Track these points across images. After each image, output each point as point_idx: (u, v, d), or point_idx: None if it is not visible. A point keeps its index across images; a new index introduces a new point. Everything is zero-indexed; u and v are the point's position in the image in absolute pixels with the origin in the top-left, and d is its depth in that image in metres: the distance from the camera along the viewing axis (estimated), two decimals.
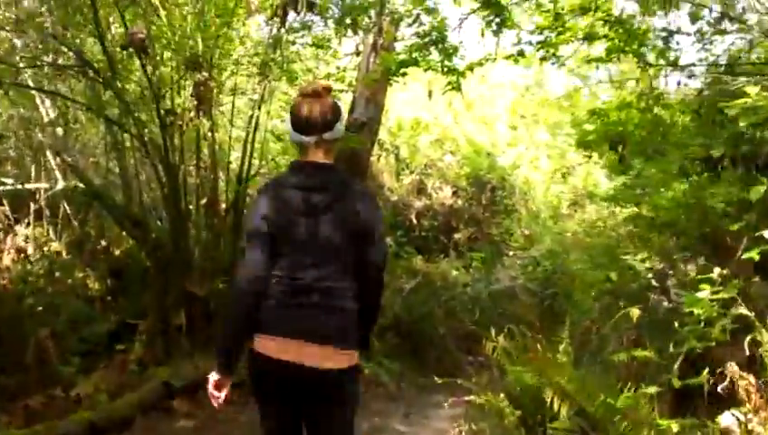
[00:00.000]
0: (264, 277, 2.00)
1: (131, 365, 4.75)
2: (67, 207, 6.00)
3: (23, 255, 5.91)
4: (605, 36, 5.41)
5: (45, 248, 5.90)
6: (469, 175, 8.76)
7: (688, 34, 5.59)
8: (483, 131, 9.36)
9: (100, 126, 5.96)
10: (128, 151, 5.66)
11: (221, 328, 2.22)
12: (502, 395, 3.34)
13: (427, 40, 5.12)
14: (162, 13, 5.01)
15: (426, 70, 5.38)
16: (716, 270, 3.12)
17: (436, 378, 3.82)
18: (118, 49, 5.05)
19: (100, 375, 4.55)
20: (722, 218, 4.03)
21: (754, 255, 3.23)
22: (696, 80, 5.51)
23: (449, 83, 5.27)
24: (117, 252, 6.14)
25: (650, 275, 4.94)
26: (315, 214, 2.01)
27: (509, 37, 5.41)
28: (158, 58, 4.99)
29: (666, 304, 4.70)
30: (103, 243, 6.38)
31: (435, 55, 5.26)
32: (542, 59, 5.29)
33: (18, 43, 5.18)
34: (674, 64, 5.09)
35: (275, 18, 5.25)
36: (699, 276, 3.21)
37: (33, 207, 6.05)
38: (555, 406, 2.91)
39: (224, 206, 5.74)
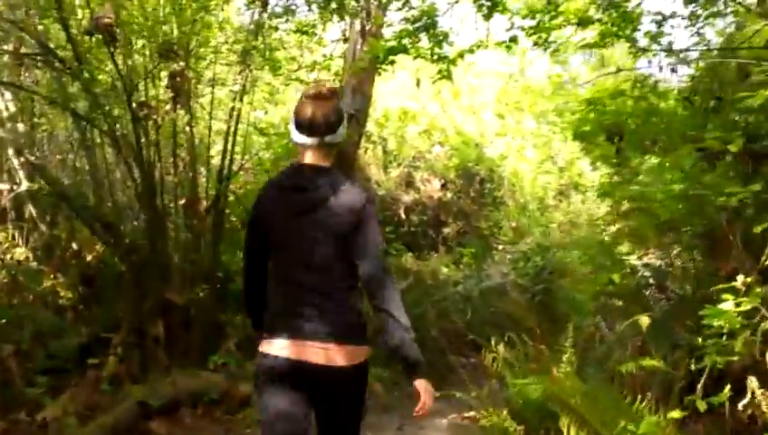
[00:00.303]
0: (257, 281, 2.13)
1: (104, 383, 4.37)
2: (33, 210, 5.53)
3: None
4: (598, 20, 5.19)
5: (9, 255, 5.44)
6: (458, 166, 8.49)
7: (682, 17, 5.38)
8: (471, 121, 9.09)
9: (67, 121, 5.49)
10: (98, 148, 5.22)
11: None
12: (505, 412, 3.09)
13: (416, 26, 4.83)
14: None
15: (415, 58, 5.11)
16: (740, 278, 2.87)
17: (436, 393, 3.53)
18: (85, 36, 4.62)
19: (70, 396, 4.16)
20: (720, 213, 3.82)
21: None
22: (688, 65, 5.30)
23: (439, 71, 5.02)
24: (89, 257, 5.70)
25: (648, 273, 4.73)
26: (308, 215, 2.03)
27: (500, 23, 5.13)
28: (128, 46, 4.55)
29: (664, 302, 4.50)
30: (74, 247, 5.94)
31: (424, 42, 5.01)
32: (535, 44, 5.04)
33: None
34: (668, 50, 4.86)
35: (257, 2, 4.87)
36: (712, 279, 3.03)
37: None
38: (566, 429, 2.66)
39: (205, 204, 5.36)
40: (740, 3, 4.81)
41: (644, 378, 2.89)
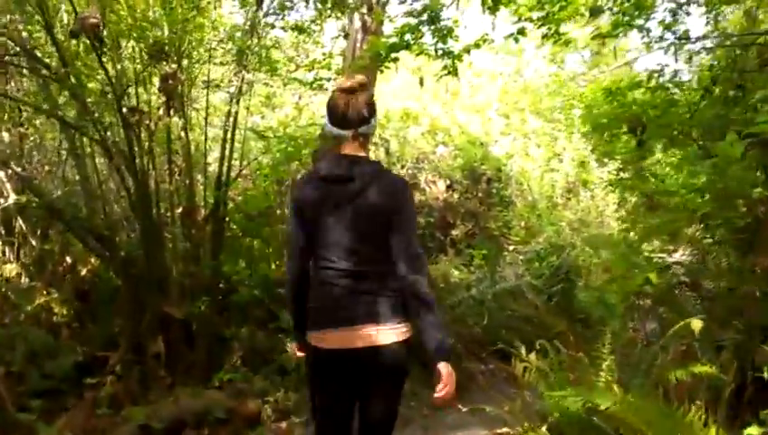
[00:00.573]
0: (300, 271, 2.20)
1: (102, 405, 4.11)
2: (22, 224, 5.28)
3: None
4: (609, 9, 4.96)
5: None
6: (463, 167, 8.24)
7: (698, 4, 5.16)
8: (474, 120, 8.85)
9: (56, 130, 5.25)
10: (89, 157, 4.98)
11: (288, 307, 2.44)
12: (544, 428, 2.84)
13: (419, 20, 4.60)
14: None
15: (418, 54, 4.87)
16: None
17: (460, 406, 3.28)
18: (73, 40, 4.39)
19: (66, 420, 3.91)
20: (756, 205, 3.60)
21: None
22: (707, 53, 5.07)
23: (444, 67, 4.79)
24: (83, 271, 5.45)
25: (680, 271, 4.49)
26: (345, 204, 2.11)
27: (508, 18, 4.91)
28: (117, 48, 4.31)
29: (696, 301, 4.26)
30: (68, 260, 5.69)
31: (428, 38, 4.79)
32: (544, 37, 4.82)
33: None
34: (684, 38, 4.64)
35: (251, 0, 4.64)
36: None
37: None
38: None
39: (203, 213, 5.11)
40: None
41: (691, 384, 2.63)
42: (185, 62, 4.53)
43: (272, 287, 5.19)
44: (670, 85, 4.74)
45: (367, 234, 2.11)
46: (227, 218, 5.04)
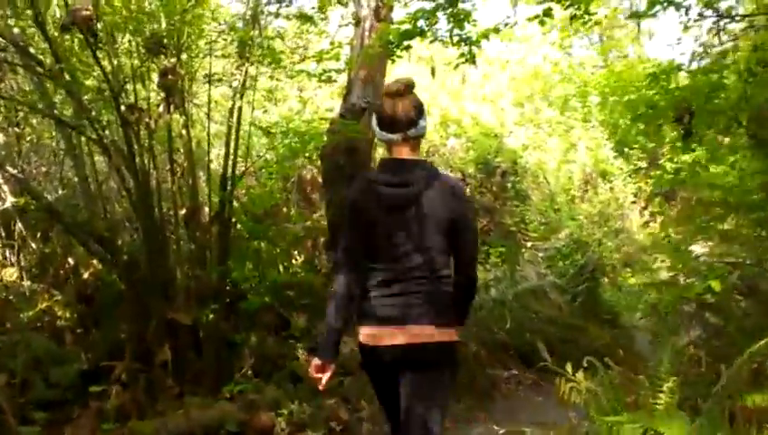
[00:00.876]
0: (350, 277, 2.19)
1: (109, 417, 3.92)
2: (21, 226, 5.09)
3: None
4: None
5: None
6: (476, 160, 7.94)
7: None
8: (486, 111, 8.54)
9: (52, 130, 5.04)
10: (87, 157, 4.77)
11: (326, 317, 2.31)
12: None
13: (437, 3, 4.32)
14: None
15: (432, 41, 4.60)
16: None
17: (496, 427, 3.03)
18: (66, 35, 4.17)
19: (70, 433, 3.73)
20: None
21: None
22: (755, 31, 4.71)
23: (461, 55, 4.52)
24: (86, 274, 5.25)
25: (736, 276, 4.13)
26: (402, 208, 2.14)
27: None
28: (112, 42, 4.08)
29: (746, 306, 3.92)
30: (70, 262, 5.50)
31: (442, 23, 4.51)
32: (573, 18, 4.53)
33: None
34: (728, 16, 4.32)
35: None
36: None
37: None
38: None
39: (208, 213, 4.90)
40: None
41: (763, 408, 2.35)
42: (184, 55, 4.28)
43: (281, 292, 4.97)
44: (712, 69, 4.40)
45: (424, 237, 2.13)
46: (233, 219, 4.81)
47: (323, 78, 4.55)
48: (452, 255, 2.17)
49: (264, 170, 5.65)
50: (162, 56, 4.11)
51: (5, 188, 4.80)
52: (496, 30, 4.50)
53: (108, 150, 4.31)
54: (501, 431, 2.81)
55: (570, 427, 2.78)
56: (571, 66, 13.75)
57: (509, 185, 7.93)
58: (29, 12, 4.00)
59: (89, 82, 4.53)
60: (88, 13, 3.56)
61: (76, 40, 4.47)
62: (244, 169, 4.88)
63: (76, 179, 4.85)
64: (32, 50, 4.41)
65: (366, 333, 2.18)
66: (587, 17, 4.29)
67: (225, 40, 4.33)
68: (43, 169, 5.16)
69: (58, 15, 4.35)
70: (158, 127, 4.52)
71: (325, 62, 4.68)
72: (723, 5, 4.34)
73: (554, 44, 15.37)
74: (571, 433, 2.74)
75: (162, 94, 4.41)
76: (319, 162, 6.81)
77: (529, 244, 7.14)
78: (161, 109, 4.51)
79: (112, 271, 4.75)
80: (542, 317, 5.12)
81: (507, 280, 5.59)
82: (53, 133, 5.10)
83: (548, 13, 4.37)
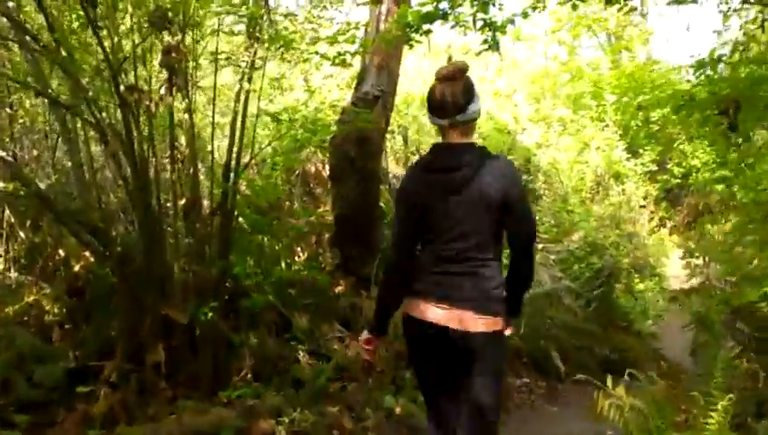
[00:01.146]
0: (404, 258, 2.27)
1: (95, 422, 3.63)
2: (10, 214, 4.78)
3: None
4: None
5: None
6: None
7: None
8: (499, 106, 8.25)
9: (46, 111, 4.73)
10: (82, 141, 4.46)
11: (377, 294, 2.45)
12: None
13: None
14: None
15: (454, 26, 4.33)
16: None
17: None
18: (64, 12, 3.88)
19: None
20: None
21: None
22: None
23: (485, 41, 4.27)
24: (77, 266, 4.94)
25: None
26: (453, 192, 2.17)
27: None
28: (112, 13, 3.77)
29: None
30: (61, 254, 5.19)
31: (465, 7, 4.24)
32: (608, 3, 4.26)
33: None
34: None
35: None
36: None
37: None
38: None
39: (209, 205, 4.60)
40: None
41: None
42: (189, 33, 3.97)
43: (284, 290, 4.69)
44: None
45: (477, 221, 2.16)
46: (236, 212, 4.51)
47: (338, 60, 4.26)
48: (510, 235, 2.17)
49: (268, 161, 5.36)
50: (166, 32, 3.80)
51: None
52: (525, 14, 4.26)
53: (105, 135, 4.01)
54: None
55: None
56: (579, 67, 13.50)
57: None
58: None
59: (86, 59, 4.23)
60: None
61: (74, 15, 4.18)
62: (249, 159, 4.57)
63: (70, 166, 4.53)
64: (28, 26, 4.12)
65: (413, 306, 2.26)
66: (623, 1, 4.02)
67: (234, 15, 4.01)
68: (35, 153, 4.84)
69: None
70: (158, 111, 4.23)
71: (342, 44, 4.38)
72: None
73: (563, 43, 15.12)
74: None
75: (165, 75, 4.11)
76: (324, 155, 6.54)
77: (540, 246, 6.86)
78: (163, 91, 4.21)
79: (105, 264, 4.44)
80: (557, 323, 4.85)
81: None
82: (47, 116, 4.77)
83: None
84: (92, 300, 4.66)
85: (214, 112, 4.37)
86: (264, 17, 4.16)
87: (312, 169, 6.81)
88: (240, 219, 4.83)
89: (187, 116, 4.35)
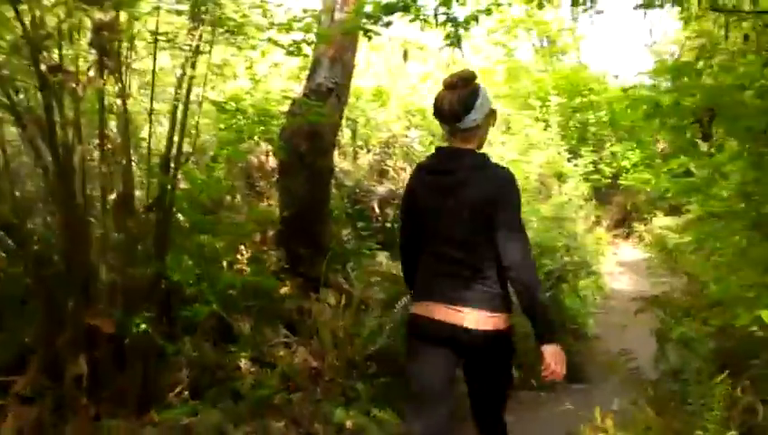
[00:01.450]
0: (410, 254, 2.50)
1: None
2: None
3: None
4: None
5: None
6: None
7: None
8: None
9: None
10: None
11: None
12: None
13: None
14: None
15: (413, 20, 4.16)
16: None
17: None
18: None
19: None
20: None
21: None
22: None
23: (447, 36, 4.15)
24: None
25: None
26: (447, 194, 2.32)
27: None
28: None
29: None
30: None
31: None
32: (574, 4, 4.18)
33: None
34: (737, 11, 4.04)
35: None
36: None
37: None
38: None
39: (137, 197, 4.18)
40: None
41: None
42: (125, 6, 3.55)
43: (225, 291, 4.35)
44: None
45: (468, 224, 2.25)
46: (174, 208, 4.13)
47: (293, 49, 3.96)
48: (499, 241, 2.21)
49: (210, 154, 4.97)
50: (97, 7, 3.38)
51: None
52: (488, 11, 4.13)
53: (21, 118, 3.53)
54: None
55: None
56: (523, 67, 13.74)
57: None
58: None
59: (2, 35, 3.71)
60: None
61: None
62: (191, 149, 4.18)
63: None
64: None
65: (416, 306, 2.39)
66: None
67: None
68: None
69: None
70: (86, 94, 3.78)
71: (299, 33, 4.06)
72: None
73: (498, 44, 15.41)
74: None
75: (95, 55, 3.67)
76: (270, 147, 6.22)
77: None
78: (92, 73, 3.77)
79: (18, 263, 3.95)
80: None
81: None
82: None
83: None
84: (3, 304, 4.14)
85: (152, 98, 3.95)
86: None
87: (256, 161, 6.44)
88: (179, 216, 4.44)
89: (119, 101, 3.93)
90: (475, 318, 2.22)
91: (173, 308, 4.08)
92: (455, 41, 4.03)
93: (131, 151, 4.17)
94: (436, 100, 2.34)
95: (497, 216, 2.20)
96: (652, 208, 12.55)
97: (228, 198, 5.74)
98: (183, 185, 4.61)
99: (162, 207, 4.03)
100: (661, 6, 4.12)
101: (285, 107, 5.36)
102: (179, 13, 3.56)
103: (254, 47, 3.97)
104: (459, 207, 2.25)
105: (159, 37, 3.64)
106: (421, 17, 4.11)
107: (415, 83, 8.64)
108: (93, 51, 3.75)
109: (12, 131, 4.19)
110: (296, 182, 4.95)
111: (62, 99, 3.66)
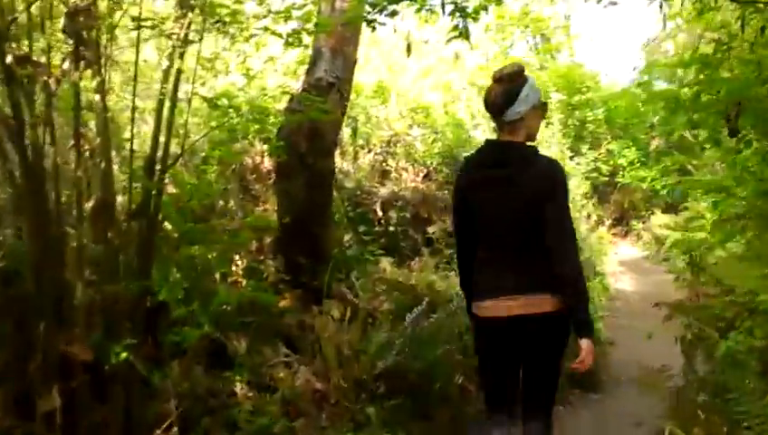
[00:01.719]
0: (466, 250, 2.56)
1: None
2: None
3: None
4: None
5: None
6: (443, 152, 7.18)
7: None
8: (455, 99, 7.82)
9: None
10: None
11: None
12: None
13: None
14: None
15: (419, 10, 3.81)
16: None
17: None
18: None
19: None
20: None
21: None
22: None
23: (454, 28, 3.83)
24: None
25: None
26: (499, 187, 2.37)
27: None
28: None
29: None
30: None
31: None
32: None
33: None
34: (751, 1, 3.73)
35: None
36: None
37: None
38: None
39: (119, 204, 3.76)
40: None
41: None
42: None
43: (217, 310, 3.93)
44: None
45: (519, 216, 2.32)
46: (161, 216, 3.71)
47: (293, 39, 3.56)
48: (548, 233, 2.29)
49: (203, 154, 4.57)
50: None
51: None
52: (498, 1, 3.77)
53: None
54: None
55: None
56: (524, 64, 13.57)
57: None
58: None
59: None
60: None
61: None
62: (180, 150, 3.76)
63: None
64: None
65: (476, 305, 2.48)
66: None
67: None
68: None
69: None
70: (60, 89, 3.36)
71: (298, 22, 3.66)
72: None
73: (494, 41, 15.23)
74: None
75: (71, 45, 3.25)
76: (263, 147, 5.84)
77: None
78: (66, 65, 3.35)
79: None
80: None
81: None
82: None
83: None
84: None
85: (135, 94, 3.52)
86: None
87: (250, 162, 6.02)
88: (166, 224, 4.01)
89: (98, 97, 3.50)
90: (538, 302, 2.31)
91: (159, 330, 3.64)
92: (463, 32, 3.66)
93: (112, 153, 3.75)
94: (486, 93, 2.43)
95: (546, 207, 2.27)
96: (650, 206, 12.54)
97: (221, 203, 5.35)
98: (170, 190, 4.22)
99: (147, 215, 3.60)
100: None
101: (283, 104, 4.98)
102: None
103: (248, 38, 3.56)
104: (513, 199, 2.31)
105: (144, 24, 3.19)
106: (427, 7, 3.76)
107: (416, 79, 8.30)
108: (68, 40, 3.34)
109: None
110: (295, 185, 4.57)
111: (33, 94, 3.25)
